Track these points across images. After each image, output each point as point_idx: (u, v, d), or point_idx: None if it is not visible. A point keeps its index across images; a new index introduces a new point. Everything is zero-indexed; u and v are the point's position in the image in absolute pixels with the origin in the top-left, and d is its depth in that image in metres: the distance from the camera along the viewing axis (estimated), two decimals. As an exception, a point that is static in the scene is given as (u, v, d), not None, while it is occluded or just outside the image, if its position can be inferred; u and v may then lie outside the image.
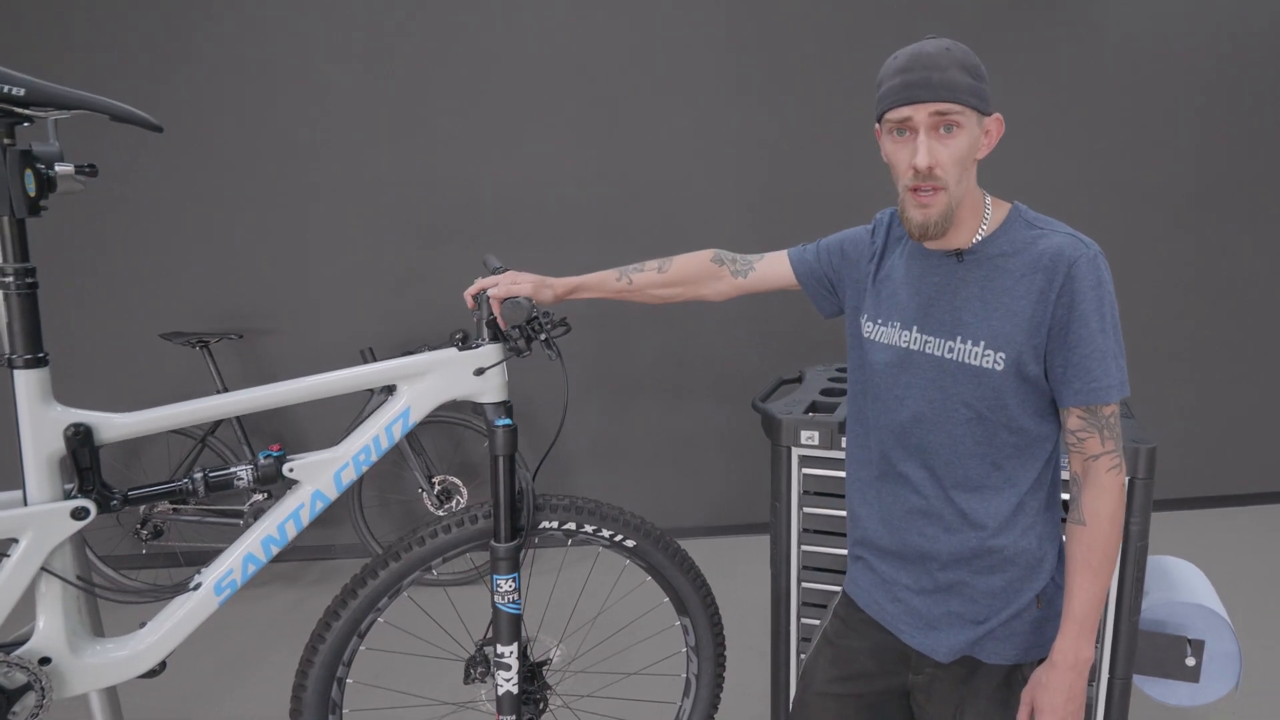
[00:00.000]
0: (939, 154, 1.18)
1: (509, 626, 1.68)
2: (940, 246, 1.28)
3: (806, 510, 1.94)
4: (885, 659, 1.40)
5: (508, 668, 1.70)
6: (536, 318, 1.61)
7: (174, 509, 3.40)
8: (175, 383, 3.56)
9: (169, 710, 2.66)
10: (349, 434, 1.64)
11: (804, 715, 1.48)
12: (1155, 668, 1.86)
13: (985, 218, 1.26)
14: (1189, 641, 1.84)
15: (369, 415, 3.30)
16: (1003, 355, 1.22)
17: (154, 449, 3.57)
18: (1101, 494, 1.21)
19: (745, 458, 3.93)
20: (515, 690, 1.72)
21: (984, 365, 1.23)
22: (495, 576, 1.66)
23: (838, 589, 1.95)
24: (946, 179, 1.19)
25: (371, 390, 3.36)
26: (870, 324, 1.38)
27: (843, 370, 2.41)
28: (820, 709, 1.45)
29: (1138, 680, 1.88)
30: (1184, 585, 1.96)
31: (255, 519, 3.35)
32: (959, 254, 1.27)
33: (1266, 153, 3.87)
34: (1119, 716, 1.78)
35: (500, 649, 1.69)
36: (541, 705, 1.82)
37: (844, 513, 1.90)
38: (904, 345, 1.32)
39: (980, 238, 1.26)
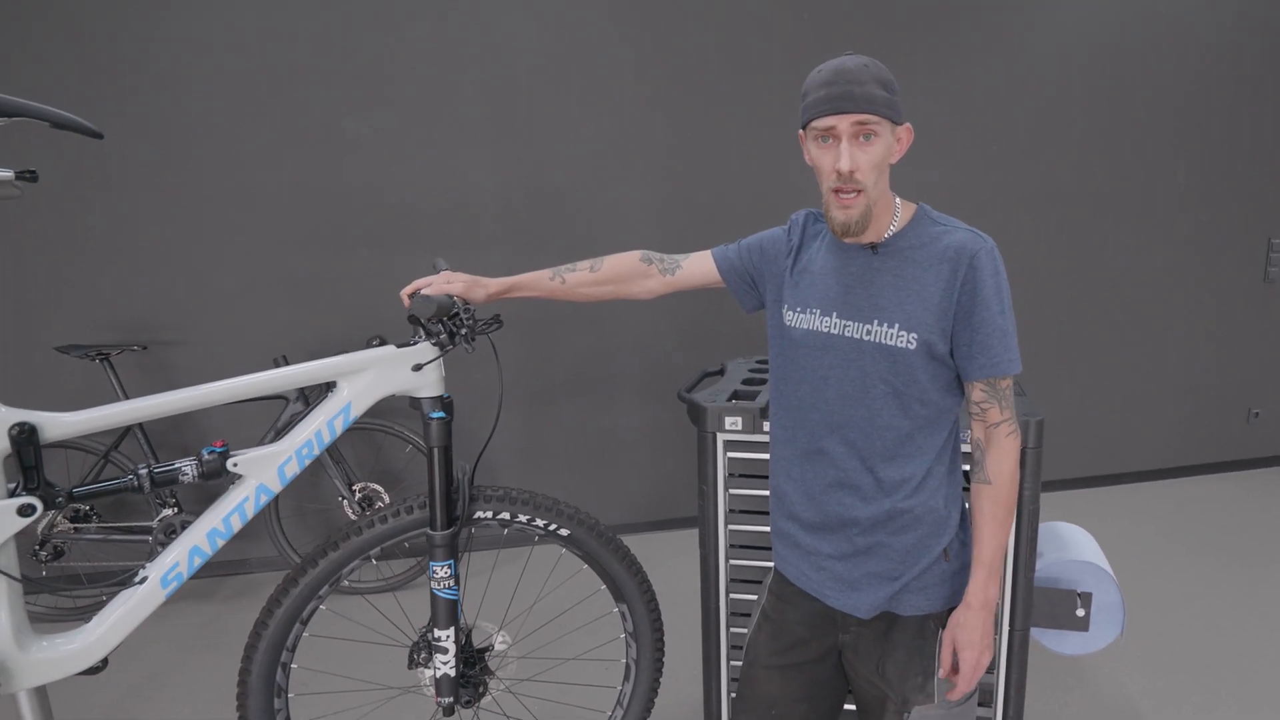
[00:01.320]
0: (859, 159, 1.32)
1: (446, 611, 1.74)
2: (856, 241, 1.41)
3: (732, 491, 2.05)
4: (816, 624, 1.53)
5: (444, 651, 1.75)
6: (458, 314, 1.67)
7: (75, 528, 3.26)
8: (73, 397, 3.42)
9: (100, 714, 2.58)
10: (283, 433, 1.66)
11: (751, 689, 1.60)
12: (1050, 620, 2.05)
13: (895, 215, 1.41)
14: (1078, 595, 2.03)
15: (284, 423, 3.27)
16: (915, 335, 1.36)
17: (53, 465, 3.41)
18: (1002, 456, 1.40)
19: (670, 454, 4.04)
20: (453, 673, 1.77)
21: (898, 345, 1.37)
22: (432, 563, 1.72)
23: (764, 564, 2.07)
24: (865, 182, 1.33)
25: (286, 399, 3.32)
26: (791, 313, 1.50)
27: (762, 362, 2.55)
28: (766, 680, 1.57)
29: (1035, 633, 2.06)
30: (1074, 545, 2.15)
31: (166, 535, 3.28)
32: (873, 247, 1.41)
33: (1146, 154, 4.24)
34: (1019, 666, 1.96)
35: (438, 633, 1.75)
36: (481, 689, 1.87)
37: (767, 492, 2.03)
38: (825, 330, 1.44)
39: (892, 232, 1.41)
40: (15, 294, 3.32)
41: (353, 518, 3.40)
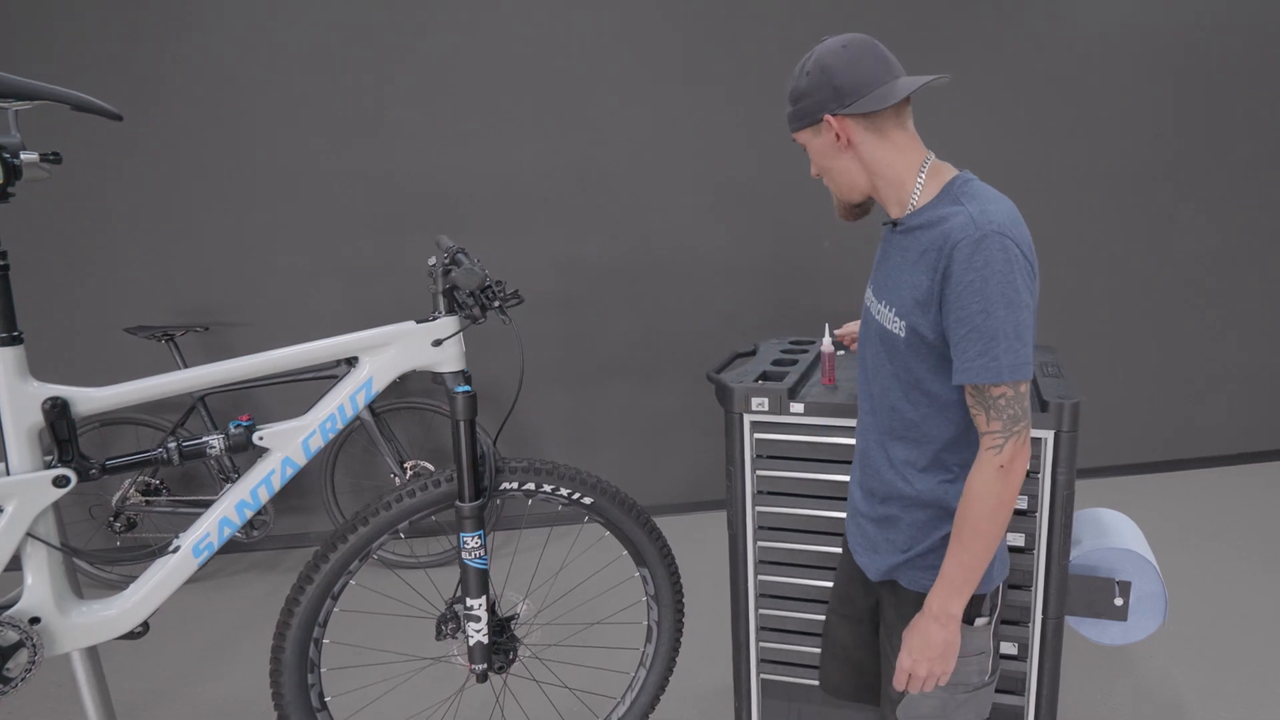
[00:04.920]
0: (815, 166, 1.43)
1: (477, 580, 1.78)
2: (889, 218, 1.40)
3: (759, 473, 2.04)
4: (854, 578, 1.62)
5: (477, 619, 1.79)
6: (490, 286, 1.70)
7: (147, 501, 3.43)
8: (140, 376, 3.59)
9: (156, 685, 2.72)
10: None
11: (828, 631, 1.74)
12: (1087, 609, 1.97)
13: (917, 189, 1.32)
14: (1117, 583, 1.95)
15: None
16: (903, 323, 1.32)
17: (123, 442, 3.60)
18: (977, 470, 1.26)
19: (714, 436, 4.03)
20: (485, 640, 1.81)
21: (891, 329, 1.35)
22: (462, 535, 1.75)
23: (793, 546, 2.05)
24: (825, 180, 1.43)
25: (337, 378, 3.41)
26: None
27: (795, 342, 2.52)
28: (836, 625, 1.71)
29: (1072, 621, 1.99)
30: (1114, 533, 2.07)
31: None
32: (895, 225, 1.37)
33: (1210, 129, 4.02)
34: (1052, 654, 1.90)
35: (470, 602, 1.79)
36: (511, 655, 1.91)
37: (793, 474, 2.01)
38: (868, 306, 1.48)
39: (911, 209, 1.33)
40: (85, 277, 3.51)
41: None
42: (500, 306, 1.70)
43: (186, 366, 3.41)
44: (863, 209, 1.44)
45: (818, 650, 2.09)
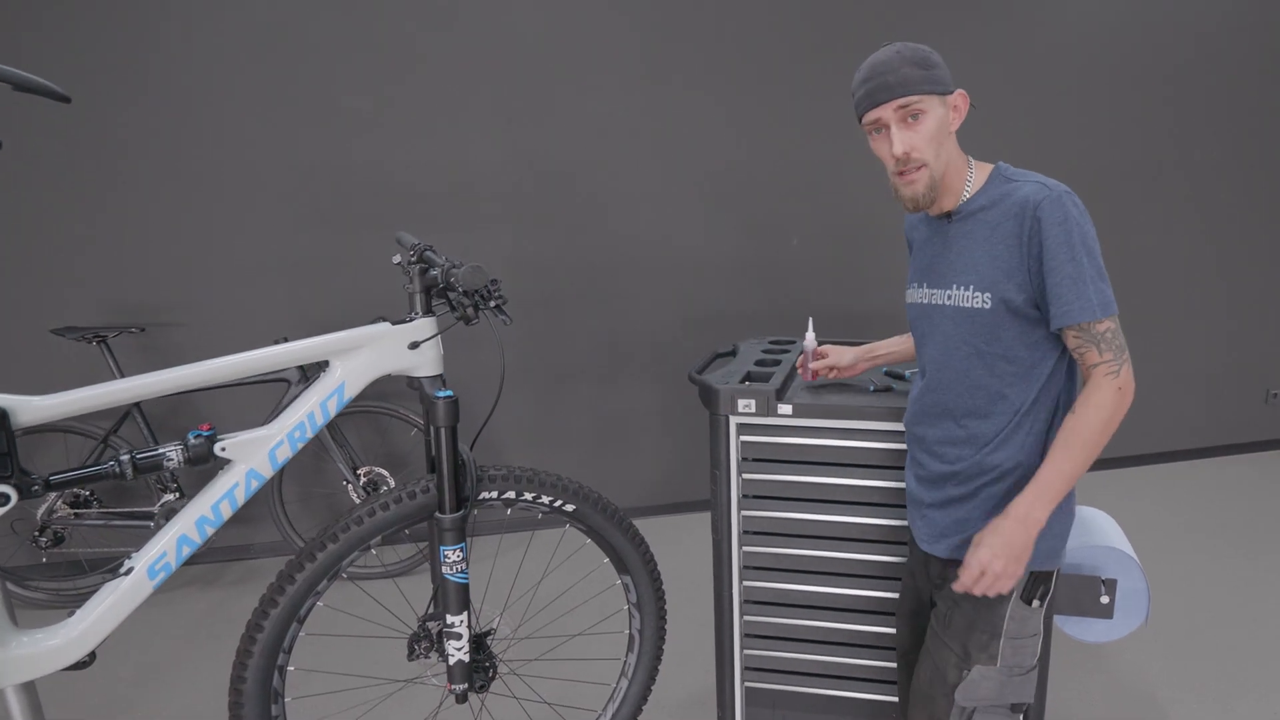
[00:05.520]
0: (911, 140, 1.39)
1: (458, 596, 1.68)
2: (936, 212, 1.49)
3: (745, 476, 1.98)
4: (918, 572, 1.67)
5: (458, 637, 1.69)
6: (488, 284, 1.61)
7: (75, 514, 3.22)
8: (70, 382, 3.36)
9: (93, 716, 2.53)
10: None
11: (897, 641, 1.77)
12: (1073, 607, 1.96)
13: (969, 180, 1.45)
14: (1102, 581, 1.95)
15: (287, 407, 3.21)
16: (989, 295, 1.40)
17: (50, 452, 3.36)
18: (1094, 391, 1.34)
19: (681, 436, 3.97)
20: (466, 659, 1.71)
21: (973, 306, 1.42)
22: (443, 548, 1.65)
23: (779, 551, 2.00)
24: (924, 157, 1.40)
25: (288, 381, 3.25)
26: (908, 290, 1.62)
27: (775, 342, 2.47)
28: (899, 630, 1.75)
29: (1058, 620, 1.98)
30: (1098, 531, 2.07)
31: (168, 520, 3.23)
32: (949, 215, 1.47)
33: (1166, 137, 4.12)
34: (1042, 655, 1.88)
35: (450, 619, 1.69)
36: (491, 673, 1.82)
37: (780, 477, 1.97)
38: (920, 301, 1.55)
39: (966, 197, 1.45)
40: (9, 275, 3.26)
41: (357, 502, 3.34)
42: (499, 306, 1.60)
43: (120, 370, 3.23)
44: (929, 198, 1.44)
45: (804, 656, 2.04)
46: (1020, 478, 1.45)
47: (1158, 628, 2.87)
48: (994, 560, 1.34)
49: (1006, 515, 1.36)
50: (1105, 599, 1.95)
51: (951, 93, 1.40)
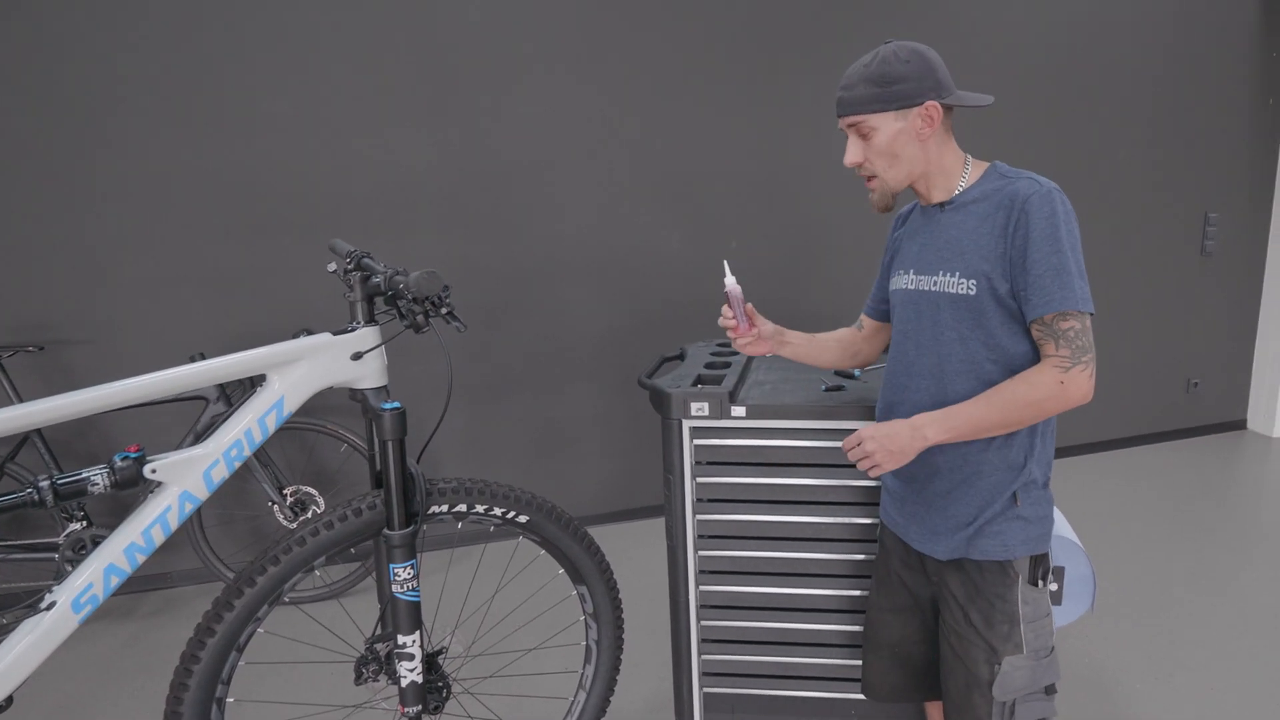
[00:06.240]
0: (862, 153, 1.48)
1: (409, 615, 1.61)
2: (928, 203, 1.54)
3: (699, 480, 1.95)
4: (911, 566, 1.64)
5: (410, 657, 1.61)
6: (439, 291, 1.54)
7: (-32, 549, 2.97)
8: (-37, 405, 3.12)
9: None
10: (208, 435, 1.48)
11: (874, 632, 1.73)
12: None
13: (964, 176, 1.49)
14: (1051, 569, 1.98)
15: (204, 426, 3.04)
16: (974, 282, 1.42)
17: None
18: (1037, 371, 1.37)
19: (626, 442, 3.92)
20: (420, 680, 1.64)
21: (959, 292, 1.44)
22: (392, 566, 1.57)
23: (735, 554, 1.98)
24: (875, 169, 1.48)
25: (205, 399, 3.08)
26: (894, 277, 1.62)
27: (723, 344, 2.45)
28: (884, 625, 1.70)
29: (1006, 610, 2.00)
30: (1042, 519, 2.11)
31: (75, 552, 3.01)
32: (941, 206, 1.51)
33: (1085, 131, 4.30)
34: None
35: (402, 639, 1.61)
36: (445, 693, 1.74)
37: (735, 480, 1.94)
38: (908, 288, 1.56)
39: (960, 190, 1.48)
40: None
41: (285, 524, 3.18)
42: (451, 313, 1.53)
43: (16, 391, 3.00)
44: (884, 204, 1.53)
45: (763, 659, 2.03)
46: (1008, 473, 1.47)
47: (1099, 612, 2.96)
48: (871, 442, 1.44)
49: (907, 420, 1.44)
50: (1054, 586, 1.99)
51: (917, 105, 1.42)
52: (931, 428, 1.41)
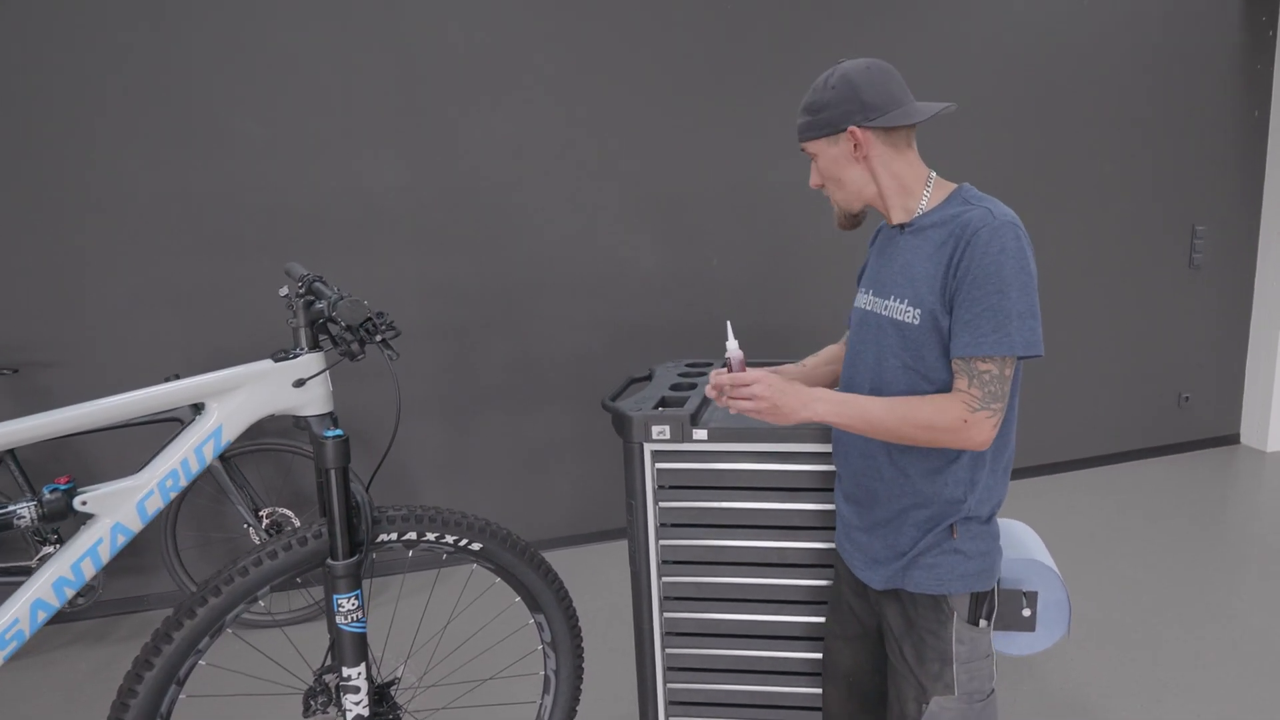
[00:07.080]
0: (815, 175, 1.52)
1: (354, 647, 1.57)
2: (890, 224, 1.50)
3: (662, 504, 1.92)
4: (859, 595, 1.61)
5: (356, 690, 1.57)
6: (371, 318, 1.51)
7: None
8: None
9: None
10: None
11: (830, 658, 1.70)
12: (997, 621, 1.95)
13: (925, 196, 1.44)
14: (1024, 594, 1.94)
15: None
16: (918, 311, 1.39)
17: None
18: (946, 398, 1.33)
19: (600, 463, 3.89)
20: (366, 713, 1.60)
21: (904, 319, 1.41)
22: (336, 596, 1.53)
23: (699, 580, 1.94)
24: (829, 191, 1.51)
25: (181, 421, 3.05)
26: (858, 295, 1.61)
27: (691, 364, 2.42)
28: (839, 651, 1.68)
29: (978, 636, 1.96)
30: (1017, 543, 2.07)
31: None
32: (902, 228, 1.47)
33: (1071, 145, 4.26)
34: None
35: (346, 671, 1.57)
36: None
37: (698, 504, 1.91)
38: (865, 307, 1.53)
39: (920, 213, 1.44)
40: None
41: (259, 546, 3.15)
42: (385, 340, 1.50)
43: (-10, 415, 2.98)
44: (858, 219, 1.54)
45: (731, 687, 1.98)
46: (946, 506, 1.43)
47: (1083, 633, 2.91)
48: (765, 388, 1.37)
49: (805, 390, 1.39)
50: (1027, 612, 1.94)
51: (842, 131, 1.42)
52: (824, 404, 1.37)
